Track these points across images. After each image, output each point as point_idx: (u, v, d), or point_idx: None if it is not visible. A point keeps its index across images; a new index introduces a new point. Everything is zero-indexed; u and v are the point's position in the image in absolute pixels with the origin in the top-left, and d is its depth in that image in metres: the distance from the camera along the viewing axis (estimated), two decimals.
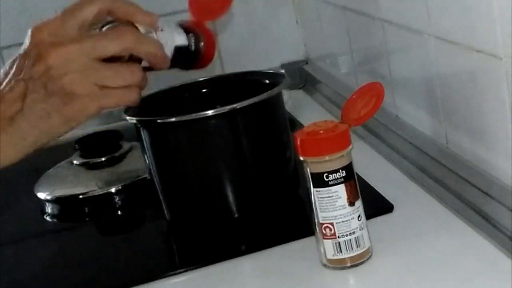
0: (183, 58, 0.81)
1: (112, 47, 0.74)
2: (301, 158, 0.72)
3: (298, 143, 0.73)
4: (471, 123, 0.80)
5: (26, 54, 0.74)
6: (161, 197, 0.90)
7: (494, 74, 0.71)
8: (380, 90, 0.75)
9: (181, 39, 0.80)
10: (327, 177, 0.71)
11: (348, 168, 0.72)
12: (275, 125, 0.89)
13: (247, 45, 1.44)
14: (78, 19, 0.75)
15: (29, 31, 0.75)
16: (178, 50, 0.80)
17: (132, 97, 0.77)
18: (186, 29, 0.81)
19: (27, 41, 0.75)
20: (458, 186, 0.82)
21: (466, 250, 0.74)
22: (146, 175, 0.94)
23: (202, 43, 0.82)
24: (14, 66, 0.75)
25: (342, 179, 0.71)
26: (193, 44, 0.81)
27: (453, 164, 0.85)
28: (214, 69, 1.42)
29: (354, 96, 0.74)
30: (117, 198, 1.03)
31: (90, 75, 0.74)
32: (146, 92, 0.96)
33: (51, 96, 0.73)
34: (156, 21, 0.79)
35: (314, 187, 0.72)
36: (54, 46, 0.73)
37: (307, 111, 1.28)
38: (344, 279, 0.73)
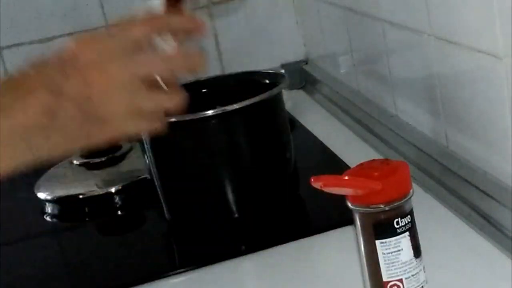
0: None
1: (157, 68, 0.67)
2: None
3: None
4: (471, 123, 0.80)
5: (61, 62, 0.64)
6: (161, 197, 0.90)
7: (494, 74, 0.71)
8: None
9: None
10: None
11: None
12: (275, 125, 0.89)
13: (247, 45, 1.44)
14: (127, 38, 0.67)
15: (71, 42, 0.66)
16: None
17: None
18: None
19: (65, 50, 0.65)
20: (458, 186, 0.82)
21: (466, 250, 0.74)
22: (146, 175, 0.94)
23: None
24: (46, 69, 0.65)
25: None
26: None
27: (453, 164, 0.85)
28: (214, 69, 1.42)
29: None
30: (117, 198, 1.03)
31: (129, 94, 0.65)
32: None
33: (85, 120, 0.64)
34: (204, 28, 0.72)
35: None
36: (97, 63, 0.65)
37: (307, 111, 1.28)
38: None
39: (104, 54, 0.66)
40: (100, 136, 0.66)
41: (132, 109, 0.66)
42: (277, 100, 0.89)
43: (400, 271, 0.61)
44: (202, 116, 0.84)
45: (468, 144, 0.82)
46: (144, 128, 0.70)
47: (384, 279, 0.62)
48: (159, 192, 0.90)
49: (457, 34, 0.77)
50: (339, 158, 1.01)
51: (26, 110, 0.63)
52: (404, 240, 0.61)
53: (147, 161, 0.89)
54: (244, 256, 0.82)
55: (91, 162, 1.08)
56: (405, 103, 0.98)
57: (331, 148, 1.05)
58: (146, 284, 0.80)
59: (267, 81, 0.93)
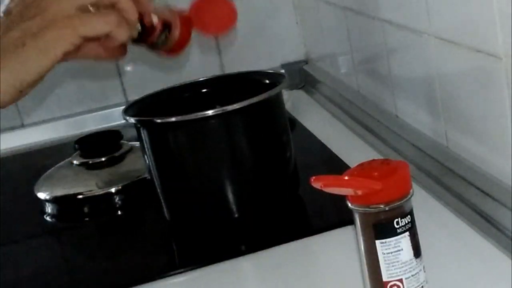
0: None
1: None
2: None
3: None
4: (471, 123, 0.80)
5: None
6: (161, 197, 0.90)
7: (494, 74, 0.71)
8: None
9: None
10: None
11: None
12: (275, 125, 0.89)
13: (247, 45, 1.44)
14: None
15: None
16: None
17: (113, 27, 0.73)
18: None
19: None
20: (458, 186, 0.82)
21: (466, 250, 0.74)
22: (146, 175, 0.94)
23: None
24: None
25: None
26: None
27: (453, 164, 0.85)
28: (214, 69, 1.42)
29: None
30: (117, 198, 1.03)
31: None
32: (146, 92, 0.96)
33: (25, 21, 0.70)
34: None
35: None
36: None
37: (307, 111, 1.28)
38: None
39: None
40: (50, 41, 0.70)
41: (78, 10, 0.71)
42: (277, 100, 0.89)
43: (400, 271, 0.61)
44: (202, 116, 0.84)
45: (468, 144, 0.82)
46: (97, 28, 0.72)
47: (384, 279, 0.61)
48: (159, 192, 0.90)
49: (457, 34, 0.77)
50: (339, 158, 1.01)
51: None
52: (404, 240, 0.61)
53: (147, 161, 0.89)
54: (244, 256, 0.82)
55: (91, 162, 1.08)
56: (405, 103, 0.99)
57: (331, 148, 1.05)
58: (146, 284, 0.80)
59: (267, 81, 0.93)
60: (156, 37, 0.81)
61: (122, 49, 0.79)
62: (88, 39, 0.73)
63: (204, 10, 0.85)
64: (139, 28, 0.79)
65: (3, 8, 0.74)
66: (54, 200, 1.05)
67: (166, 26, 0.81)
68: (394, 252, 0.61)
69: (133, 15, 0.76)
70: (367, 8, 1.03)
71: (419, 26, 0.86)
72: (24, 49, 0.70)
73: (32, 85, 0.72)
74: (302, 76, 1.44)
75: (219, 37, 1.39)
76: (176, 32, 0.82)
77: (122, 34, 0.75)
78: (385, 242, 0.61)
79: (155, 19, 0.80)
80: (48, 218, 1.04)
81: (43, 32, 0.70)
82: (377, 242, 0.61)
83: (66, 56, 0.72)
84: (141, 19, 0.79)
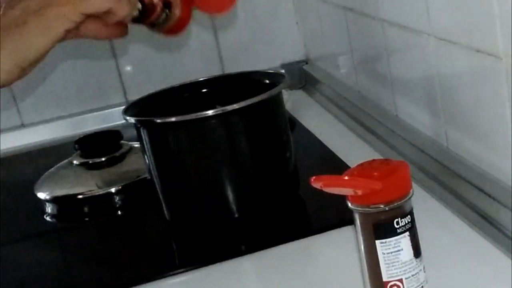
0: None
1: None
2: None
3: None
4: (471, 123, 0.80)
5: None
6: (161, 197, 0.90)
7: (494, 74, 0.71)
8: None
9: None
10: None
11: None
12: (275, 125, 0.89)
13: (247, 45, 1.44)
14: None
15: None
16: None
17: (113, 3, 0.73)
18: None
19: None
20: (458, 186, 0.82)
21: (466, 250, 0.74)
22: (146, 175, 0.94)
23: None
24: None
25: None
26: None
27: (453, 164, 0.85)
28: (214, 69, 1.42)
29: None
30: (117, 198, 1.03)
31: None
32: (146, 93, 0.96)
33: (26, 0, 0.70)
34: None
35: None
36: None
37: (307, 111, 1.28)
38: None
39: None
40: (51, 20, 0.70)
41: None
42: (277, 100, 0.89)
43: (400, 271, 0.61)
44: (202, 116, 0.84)
45: (468, 144, 0.82)
46: (97, 4, 0.72)
47: (384, 279, 0.61)
48: (159, 192, 0.90)
49: (457, 34, 0.77)
50: (339, 158, 1.01)
51: None
52: (404, 240, 0.61)
53: (147, 161, 0.89)
54: (244, 256, 0.82)
55: (91, 162, 1.08)
56: (405, 103, 0.98)
57: (331, 148, 1.05)
58: (146, 284, 0.80)
59: (267, 81, 0.93)
60: (157, 16, 0.80)
61: (122, 28, 0.79)
62: (88, 16, 0.73)
63: None
64: (140, 7, 0.79)
65: None
66: (54, 200, 1.04)
67: (166, 4, 0.81)
68: (394, 252, 0.61)
69: None
70: (367, 8, 1.03)
71: (419, 26, 0.86)
72: (25, 27, 0.70)
73: (34, 64, 0.72)
74: (302, 76, 1.44)
75: (218, 17, 1.38)
76: (177, 11, 0.81)
77: (122, 9, 0.74)
78: (385, 242, 0.61)
79: None
80: (48, 218, 1.04)
81: (44, 10, 0.70)
82: (377, 242, 0.61)
83: (67, 34, 0.73)
84: None
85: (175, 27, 0.83)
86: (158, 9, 0.80)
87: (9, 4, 0.71)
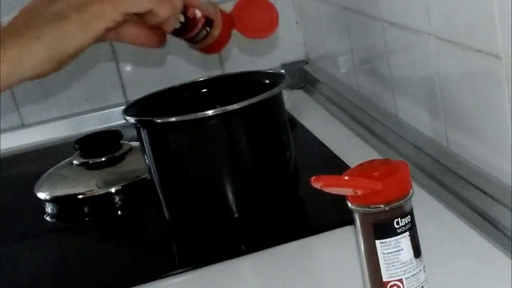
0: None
1: None
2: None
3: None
4: (471, 123, 0.80)
5: None
6: (161, 197, 0.90)
7: (494, 74, 0.71)
8: None
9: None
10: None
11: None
12: (275, 125, 0.89)
13: (247, 45, 1.44)
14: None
15: None
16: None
17: (154, 4, 0.73)
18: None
19: None
20: (458, 186, 0.82)
21: (466, 250, 0.74)
22: (146, 175, 0.94)
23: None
24: None
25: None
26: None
27: (453, 164, 0.85)
28: (214, 69, 1.42)
29: None
30: (117, 198, 1.03)
31: None
32: (146, 93, 0.96)
33: None
34: None
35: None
36: None
37: (307, 111, 1.28)
38: None
39: None
40: (92, 17, 0.70)
41: None
42: (277, 100, 0.89)
43: (400, 271, 0.61)
44: (202, 116, 0.84)
45: (468, 144, 0.82)
46: (137, 5, 0.73)
47: (384, 279, 0.61)
48: (159, 192, 0.90)
49: (457, 34, 0.77)
50: (339, 158, 1.01)
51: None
52: (404, 240, 0.61)
53: (147, 161, 0.89)
54: (244, 256, 0.82)
55: (91, 162, 1.08)
56: (405, 103, 0.98)
57: (331, 148, 1.05)
58: (146, 284, 0.80)
59: (267, 81, 0.93)
60: (197, 32, 0.81)
61: (162, 35, 0.79)
62: (129, 17, 0.74)
63: (247, 13, 0.85)
64: (182, 19, 0.79)
65: None
66: (54, 200, 1.05)
67: (208, 22, 0.81)
68: (394, 252, 0.61)
69: (178, 3, 0.76)
70: (367, 8, 1.03)
71: (419, 26, 0.86)
72: (67, 22, 0.70)
73: (71, 58, 0.72)
74: (302, 76, 1.44)
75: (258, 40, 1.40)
76: (217, 30, 0.82)
77: (164, 11, 0.74)
78: (385, 242, 0.61)
79: (198, 14, 0.80)
80: (48, 218, 1.04)
81: (86, 7, 0.71)
82: (377, 242, 0.61)
83: (107, 34, 0.73)
84: (185, 12, 0.79)
85: (213, 47, 0.83)
86: (200, 25, 0.80)
87: None
